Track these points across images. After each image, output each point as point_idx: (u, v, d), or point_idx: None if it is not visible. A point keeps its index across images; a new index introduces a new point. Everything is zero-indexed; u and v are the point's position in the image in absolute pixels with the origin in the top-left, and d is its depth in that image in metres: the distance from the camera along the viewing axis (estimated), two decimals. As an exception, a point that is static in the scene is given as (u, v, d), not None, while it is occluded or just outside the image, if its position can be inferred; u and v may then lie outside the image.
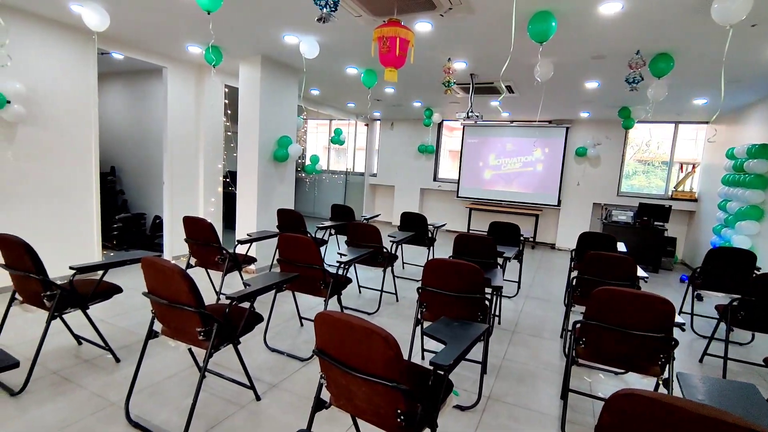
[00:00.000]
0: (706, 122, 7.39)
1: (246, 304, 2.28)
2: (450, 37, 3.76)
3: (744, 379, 3.17)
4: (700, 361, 3.43)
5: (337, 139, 8.57)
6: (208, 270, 3.86)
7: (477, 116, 4.92)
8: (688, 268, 7.31)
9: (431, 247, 5.41)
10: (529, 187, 8.63)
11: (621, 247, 4.53)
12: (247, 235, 4.12)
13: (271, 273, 2.67)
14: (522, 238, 4.86)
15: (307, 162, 7.89)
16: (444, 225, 5.98)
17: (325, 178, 10.38)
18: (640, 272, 3.15)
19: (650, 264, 6.86)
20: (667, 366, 2.12)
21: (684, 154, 8.01)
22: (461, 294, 2.51)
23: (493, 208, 8.79)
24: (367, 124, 10.21)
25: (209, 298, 3.92)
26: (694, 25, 3.10)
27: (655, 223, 6.98)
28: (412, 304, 4.46)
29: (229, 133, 6.01)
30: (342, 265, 3.30)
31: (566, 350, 3.42)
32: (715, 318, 3.47)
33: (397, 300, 4.55)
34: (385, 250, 4.12)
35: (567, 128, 8.20)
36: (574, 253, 4.58)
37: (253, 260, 3.98)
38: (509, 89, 5.63)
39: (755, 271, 3.85)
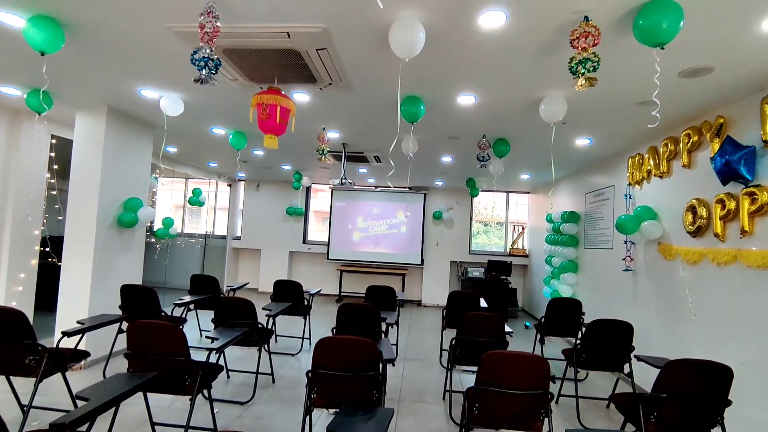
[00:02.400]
0: (528, 192, 9.10)
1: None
2: (326, 108, 3.88)
3: (591, 414, 3.66)
4: (556, 402, 3.87)
5: (195, 200, 7.80)
6: (10, 377, 2.84)
7: (350, 183, 5.08)
8: (528, 315, 8.50)
9: (307, 316, 5.11)
10: (395, 247, 9.12)
11: (483, 302, 5.01)
12: (78, 323, 3.24)
13: (117, 377, 2.10)
14: (398, 300, 4.98)
15: (158, 225, 6.91)
16: (319, 291, 5.78)
17: (179, 242, 9.20)
18: (506, 328, 3.49)
19: (502, 314, 7.75)
20: (546, 419, 2.30)
21: (514, 216, 9.63)
22: (357, 372, 2.35)
23: (364, 269, 8.96)
24: (230, 185, 9.62)
25: (12, 417, 2.87)
26: (527, 119, 3.85)
27: (501, 277, 8.03)
28: (291, 383, 4.04)
29: (53, 192, 4.90)
30: (213, 351, 2.82)
31: (451, 413, 3.48)
32: (560, 359, 4.01)
33: (274, 381, 4.07)
34: (260, 325, 3.71)
35: (425, 194, 9.11)
36: (445, 311, 4.87)
37: (84, 355, 3.11)
38: (377, 159, 6.03)
39: (582, 316, 4.66)
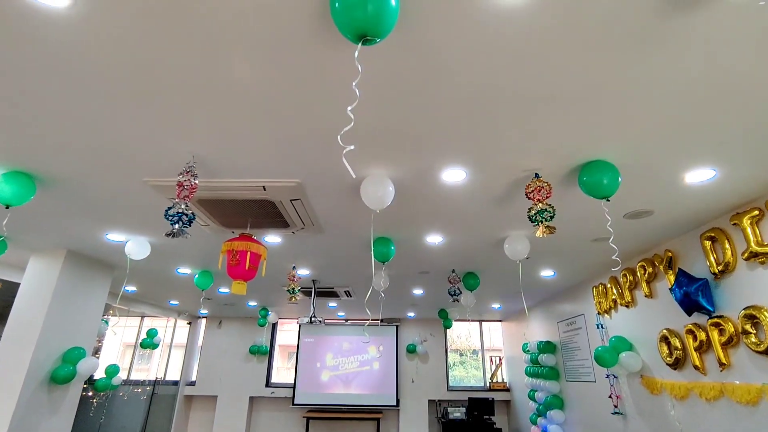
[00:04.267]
0: (500, 320, 9.01)
1: None
2: (297, 249, 3.91)
3: None
4: None
5: (149, 342, 7.14)
6: None
7: (320, 321, 4.86)
8: (518, 461, 7.59)
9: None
10: (367, 387, 8.38)
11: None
12: None
13: None
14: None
15: (101, 374, 6.13)
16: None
17: (122, 393, 8.06)
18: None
19: (489, 463, 6.89)
20: None
21: (488, 343, 9.31)
22: None
23: (334, 415, 8.02)
24: (189, 322, 8.98)
25: None
26: (493, 256, 4.00)
27: (485, 416, 7.37)
28: None
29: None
30: None
31: None
32: None
33: None
34: None
35: (397, 326, 8.81)
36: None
37: None
38: (347, 294, 5.93)
39: (579, 466, 4.19)
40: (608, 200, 2.15)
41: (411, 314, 8.24)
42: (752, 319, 2.69)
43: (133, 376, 8.25)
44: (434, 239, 3.56)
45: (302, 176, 2.46)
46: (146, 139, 2.05)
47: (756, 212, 2.68)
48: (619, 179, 2.18)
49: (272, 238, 3.60)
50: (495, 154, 2.17)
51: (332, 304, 6.93)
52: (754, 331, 2.69)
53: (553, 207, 2.23)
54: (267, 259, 4.17)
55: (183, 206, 2.09)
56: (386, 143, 2.09)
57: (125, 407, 7.87)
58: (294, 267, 4.47)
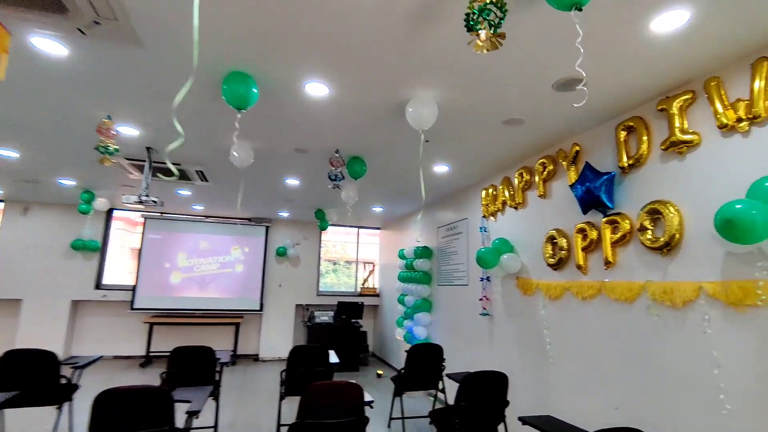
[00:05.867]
0: (379, 228, 8.75)
1: None
2: (104, 77, 2.54)
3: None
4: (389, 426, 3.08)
5: None
6: None
7: (154, 201, 3.63)
8: (379, 360, 7.84)
9: (66, 404, 3.29)
10: (227, 290, 7.51)
11: (333, 356, 4.04)
12: None
13: None
14: (219, 364, 3.63)
15: None
16: (96, 359, 3.90)
17: None
18: (366, 396, 2.58)
19: (352, 361, 6.88)
20: None
21: (364, 256, 9.11)
22: None
23: (183, 320, 7.04)
24: (-24, 207, 6.63)
25: None
26: (388, 132, 3.22)
27: (352, 320, 7.23)
28: None
29: None
30: None
31: None
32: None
33: None
34: None
35: (267, 227, 7.87)
36: (284, 373, 3.73)
37: None
38: (201, 176, 4.68)
39: (443, 363, 4.11)
40: (580, 9, 1.43)
41: (284, 213, 7.34)
42: (654, 214, 2.48)
43: None
44: (317, 90, 2.58)
45: None
46: None
47: (689, 95, 2.33)
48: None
49: (49, 45, 2.18)
50: None
51: (183, 190, 5.58)
52: (652, 227, 2.50)
53: (503, 5, 1.44)
54: (56, 94, 2.71)
55: None
56: None
57: None
58: (109, 117, 3.06)
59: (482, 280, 4.33)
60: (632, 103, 2.65)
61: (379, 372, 6.64)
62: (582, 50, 1.59)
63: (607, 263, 2.79)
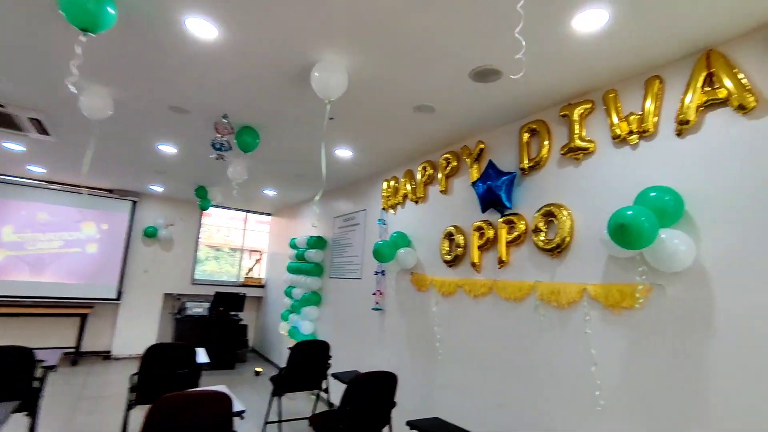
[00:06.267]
0: (270, 214, 8.12)
1: None
2: None
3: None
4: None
5: None
6: None
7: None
8: (260, 356, 7.26)
9: None
10: (74, 275, 6.17)
11: (201, 355, 3.47)
12: None
13: None
14: (42, 368, 2.81)
15: None
16: None
17: None
18: (236, 405, 2.16)
19: (228, 359, 6.21)
20: None
21: (251, 242, 8.38)
22: None
23: (5, 311, 5.57)
24: None
25: None
26: (287, 100, 2.80)
27: (231, 313, 6.55)
28: None
29: None
30: None
31: None
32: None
33: None
34: None
35: (134, 202, 6.69)
36: (136, 377, 3.07)
37: None
38: (38, 126, 3.64)
39: (329, 361, 3.84)
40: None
41: (156, 188, 6.30)
42: (549, 216, 2.53)
43: None
44: (202, 30, 2.07)
45: None
46: None
47: (589, 105, 2.41)
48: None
49: None
50: None
51: (11, 144, 4.34)
52: (546, 229, 2.56)
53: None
54: None
55: None
56: None
57: None
58: None
59: (377, 273, 4.16)
60: (538, 107, 2.69)
61: (258, 369, 6.11)
62: (523, 42, 1.43)
63: (501, 262, 2.81)
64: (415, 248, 3.73)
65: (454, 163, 3.38)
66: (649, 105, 2.12)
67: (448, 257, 3.27)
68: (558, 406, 2.33)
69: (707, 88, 1.91)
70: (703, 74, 1.92)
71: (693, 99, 1.94)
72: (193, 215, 7.26)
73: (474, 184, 3.07)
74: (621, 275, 2.13)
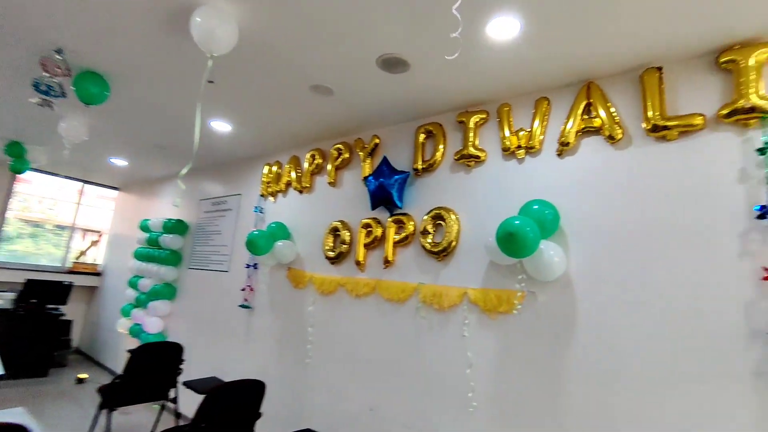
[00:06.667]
0: (117, 188, 6.78)
1: None
2: None
3: None
4: None
5: None
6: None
7: None
8: (86, 358, 5.98)
9: None
10: None
11: (-8, 366, 2.60)
12: None
13: None
14: None
15: None
16: None
17: None
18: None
19: (38, 365, 4.93)
20: None
21: (87, 220, 6.87)
22: None
23: None
24: None
25: None
26: (158, 48, 2.25)
27: (49, 306, 5.23)
28: None
29: None
30: None
31: None
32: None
33: None
34: None
35: None
36: None
37: None
38: None
39: (180, 366, 3.28)
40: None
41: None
42: (438, 219, 2.54)
43: None
44: None
45: None
46: None
47: (484, 115, 2.49)
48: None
49: None
50: None
51: None
52: (434, 232, 2.56)
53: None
54: None
55: None
56: None
57: None
58: None
59: (248, 267, 3.73)
60: (436, 109, 2.68)
61: (82, 376, 4.98)
62: (459, 17, 1.31)
63: (387, 262, 2.73)
64: (296, 241, 3.44)
65: (346, 155, 3.20)
66: (537, 124, 2.26)
67: (331, 254, 3.07)
68: (433, 407, 2.34)
69: (585, 116, 2.11)
70: (584, 103, 2.11)
71: (573, 124, 2.12)
72: (1, 178, 5.60)
73: (366, 179, 2.93)
74: (499, 281, 2.23)
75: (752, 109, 1.67)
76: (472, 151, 2.47)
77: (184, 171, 2.10)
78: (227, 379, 2.73)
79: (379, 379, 2.61)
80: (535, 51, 1.95)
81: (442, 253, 2.46)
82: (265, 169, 3.90)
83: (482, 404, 2.15)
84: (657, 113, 1.88)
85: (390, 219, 2.78)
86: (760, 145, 1.65)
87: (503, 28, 1.81)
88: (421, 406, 2.38)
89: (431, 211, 2.57)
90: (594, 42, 1.85)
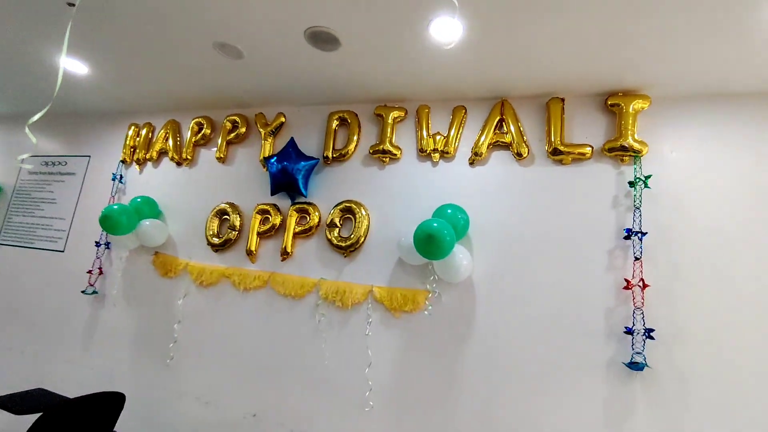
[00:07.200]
0: None
1: None
2: None
3: None
4: None
5: None
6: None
7: None
8: None
9: None
10: None
11: None
12: None
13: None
14: None
15: None
16: None
17: None
18: None
19: None
20: None
21: None
22: None
23: None
24: None
25: None
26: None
27: None
28: None
29: None
30: None
31: None
32: None
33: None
34: None
35: None
36: None
37: None
38: None
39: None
40: None
41: None
42: (347, 213, 2.43)
43: None
44: None
45: None
46: None
47: (402, 112, 2.47)
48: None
49: None
50: None
51: None
52: (341, 225, 2.44)
53: None
54: None
55: None
56: None
57: None
58: None
59: (99, 245, 3.01)
60: (353, 97, 2.55)
61: None
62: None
63: (285, 254, 2.50)
64: (167, 222, 2.91)
65: (243, 129, 2.83)
66: (453, 132, 2.33)
67: (215, 240, 2.68)
68: (326, 408, 2.22)
69: (498, 131, 2.25)
70: (497, 118, 2.26)
71: (486, 137, 2.25)
72: None
73: (267, 160, 2.63)
74: (406, 280, 2.24)
75: (627, 148, 2.00)
76: (388, 147, 2.42)
77: (38, 116, 1.51)
78: (58, 390, 2.14)
79: (265, 381, 2.38)
80: (464, 60, 2.00)
81: (350, 249, 2.36)
82: (131, 131, 3.19)
83: (379, 403, 2.13)
84: (557, 138, 2.12)
85: (292, 207, 2.55)
86: (631, 179, 1.99)
87: (446, 30, 1.79)
88: (313, 408, 2.25)
89: (341, 203, 2.44)
90: (513, 64, 1.98)
